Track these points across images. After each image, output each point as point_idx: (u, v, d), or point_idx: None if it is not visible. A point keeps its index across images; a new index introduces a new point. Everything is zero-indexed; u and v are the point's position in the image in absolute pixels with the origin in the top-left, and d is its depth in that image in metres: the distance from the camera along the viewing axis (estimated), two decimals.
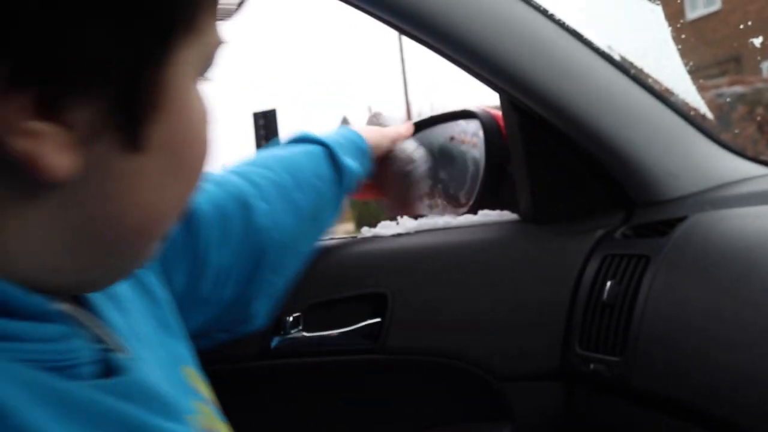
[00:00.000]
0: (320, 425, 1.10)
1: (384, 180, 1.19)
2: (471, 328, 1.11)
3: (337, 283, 1.07)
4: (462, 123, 1.33)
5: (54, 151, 0.34)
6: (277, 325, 1.04)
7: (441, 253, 1.13)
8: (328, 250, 1.10)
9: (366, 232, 1.18)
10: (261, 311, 0.92)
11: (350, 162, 1.01)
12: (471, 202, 1.26)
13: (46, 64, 0.33)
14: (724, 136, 1.25)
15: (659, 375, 0.96)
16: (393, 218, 1.24)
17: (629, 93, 1.13)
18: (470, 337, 1.11)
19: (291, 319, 1.05)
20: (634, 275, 1.04)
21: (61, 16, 0.32)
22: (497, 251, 1.15)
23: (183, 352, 0.60)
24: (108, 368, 0.43)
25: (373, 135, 1.11)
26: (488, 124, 1.25)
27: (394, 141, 1.17)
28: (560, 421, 1.14)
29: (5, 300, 0.36)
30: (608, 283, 1.06)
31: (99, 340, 0.44)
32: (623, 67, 1.13)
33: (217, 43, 0.42)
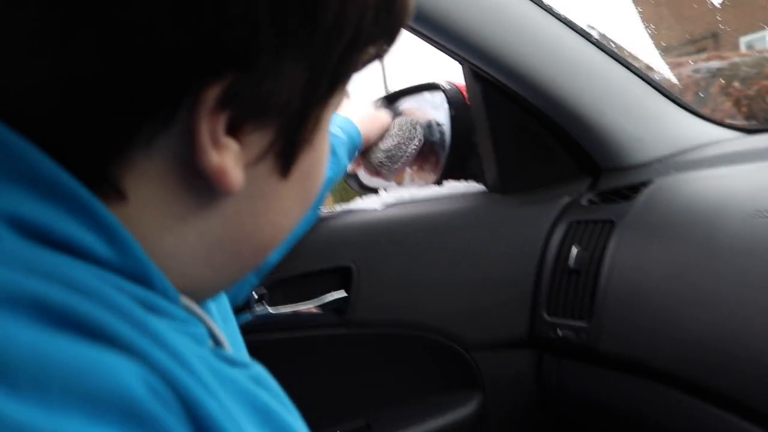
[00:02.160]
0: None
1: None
2: (439, 300, 1.11)
3: (303, 258, 1.06)
4: (427, 95, 1.32)
5: (234, 166, 0.38)
6: (243, 302, 1.03)
7: (407, 225, 1.13)
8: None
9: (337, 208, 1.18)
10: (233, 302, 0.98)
11: (347, 161, 1.11)
12: (438, 175, 1.26)
13: (249, 92, 0.37)
14: (702, 111, 1.25)
15: (626, 338, 0.96)
16: (363, 193, 1.24)
17: (592, 59, 1.12)
18: (438, 308, 1.11)
19: (256, 295, 1.04)
20: (599, 240, 1.04)
21: (274, 54, 0.37)
22: (464, 222, 1.14)
23: (241, 341, 0.62)
24: (228, 359, 0.44)
25: (369, 127, 1.20)
26: (453, 95, 1.24)
27: (383, 129, 1.24)
28: (531, 387, 1.15)
29: (149, 277, 0.38)
30: (574, 249, 1.06)
31: (209, 334, 0.46)
32: (585, 34, 1.12)
33: (347, 92, 0.47)
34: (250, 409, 0.40)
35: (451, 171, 1.25)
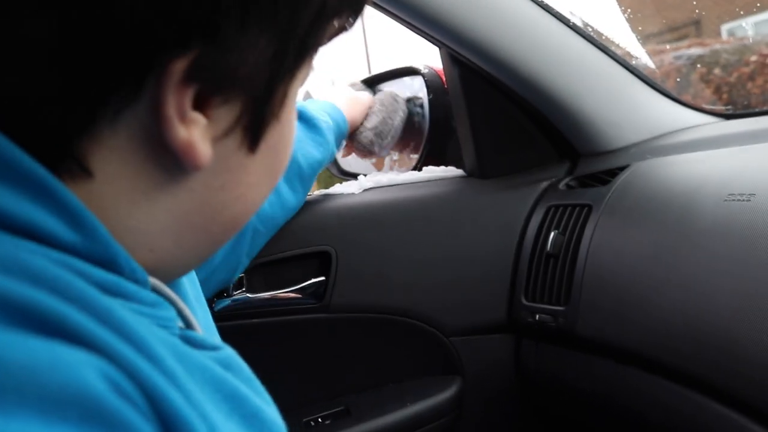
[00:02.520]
0: (268, 387, 1.08)
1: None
2: (418, 284, 1.11)
3: (281, 243, 1.06)
4: (407, 80, 1.32)
5: (202, 140, 0.38)
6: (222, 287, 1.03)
7: (386, 209, 1.12)
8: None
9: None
10: (222, 282, 0.98)
11: (335, 146, 1.12)
12: (417, 160, 1.26)
13: (216, 65, 0.37)
14: (684, 98, 1.25)
15: (603, 322, 0.96)
16: (344, 179, 1.24)
17: (571, 44, 1.13)
18: (417, 292, 1.11)
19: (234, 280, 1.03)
20: (576, 224, 1.04)
21: (239, 25, 0.36)
22: (442, 207, 1.14)
23: (212, 324, 0.61)
24: (195, 344, 0.44)
25: (353, 110, 1.20)
26: (431, 80, 1.24)
27: (366, 110, 1.24)
28: (509, 372, 1.15)
29: (115, 259, 0.37)
30: (552, 234, 1.06)
31: (180, 315, 0.46)
32: (564, 19, 1.12)
33: (313, 66, 0.47)
34: (218, 394, 0.40)
35: (429, 155, 1.25)
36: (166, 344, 0.37)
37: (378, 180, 1.17)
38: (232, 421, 0.40)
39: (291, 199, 1.03)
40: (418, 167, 1.24)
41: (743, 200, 0.84)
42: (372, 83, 1.38)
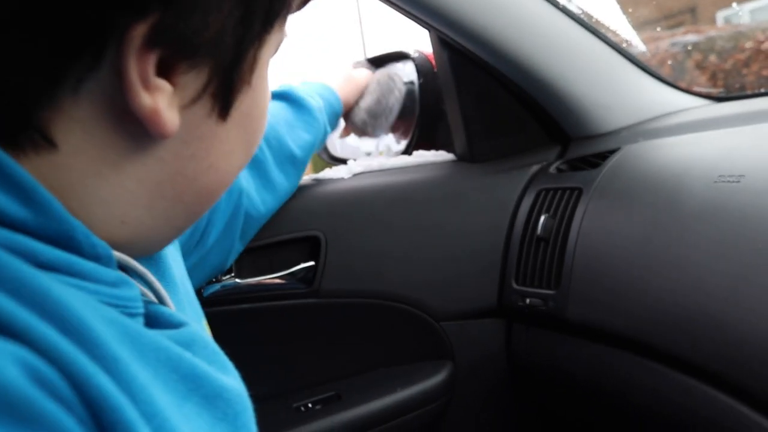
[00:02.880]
0: (257, 373, 1.08)
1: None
2: (408, 269, 1.10)
3: (270, 228, 1.05)
4: (398, 65, 1.31)
5: (168, 108, 0.37)
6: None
7: (376, 194, 1.12)
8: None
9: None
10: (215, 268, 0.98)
11: (328, 126, 1.11)
12: (407, 145, 1.25)
13: (179, 29, 0.36)
14: (679, 84, 1.25)
15: (593, 306, 0.96)
16: (333, 164, 1.23)
17: (561, 27, 1.12)
18: (407, 278, 1.10)
19: None
20: (567, 208, 1.04)
21: None
22: (432, 191, 1.14)
23: (197, 301, 0.61)
24: (160, 321, 0.43)
25: (347, 90, 1.18)
26: (421, 64, 1.23)
27: (361, 89, 1.22)
28: (500, 356, 1.15)
29: (72, 235, 0.37)
30: (542, 217, 1.06)
31: (151, 291, 0.45)
32: (553, 1, 1.11)
33: (285, 32, 0.47)
34: (175, 374, 0.39)
35: (420, 140, 1.24)
36: (115, 325, 0.36)
37: (368, 165, 1.16)
38: (190, 402, 0.40)
39: (283, 183, 1.02)
40: (408, 151, 1.23)
41: (733, 182, 0.84)
42: (375, 63, 1.37)
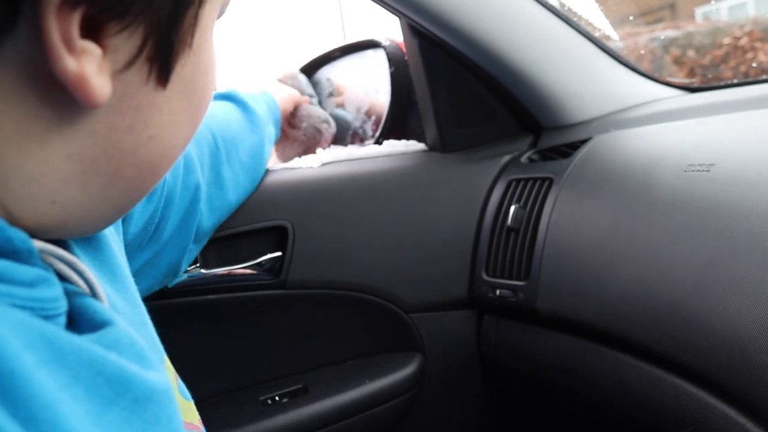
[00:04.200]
0: (223, 365, 1.06)
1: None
2: (377, 260, 1.09)
3: (236, 217, 1.02)
4: (369, 53, 1.29)
5: (97, 73, 0.34)
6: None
7: (345, 184, 1.10)
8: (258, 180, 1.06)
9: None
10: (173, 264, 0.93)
11: (273, 132, 1.10)
12: (377, 134, 1.23)
13: None
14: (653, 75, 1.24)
15: (562, 296, 0.95)
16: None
17: (533, 16, 1.10)
18: (376, 268, 1.09)
19: None
20: (537, 198, 1.03)
21: None
22: (402, 181, 1.12)
23: (140, 301, 0.57)
24: (84, 320, 0.40)
25: (285, 100, 1.18)
26: (392, 52, 1.21)
27: (296, 105, 1.23)
28: (471, 348, 1.14)
29: None
30: (512, 207, 1.05)
31: (84, 285, 0.42)
32: None
33: None
34: (99, 378, 0.36)
35: (391, 129, 1.22)
36: (25, 330, 0.33)
37: (337, 154, 1.15)
38: (117, 407, 0.37)
39: (232, 184, 0.99)
40: (379, 141, 1.22)
41: (702, 170, 0.83)
42: (334, 57, 1.35)
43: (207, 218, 0.94)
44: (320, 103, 1.29)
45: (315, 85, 1.30)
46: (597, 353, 0.90)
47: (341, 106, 1.31)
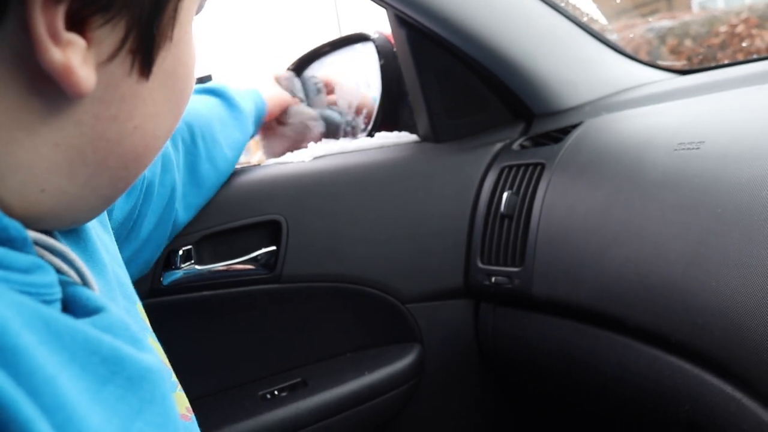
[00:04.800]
0: (221, 361, 1.06)
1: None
2: (372, 252, 1.09)
3: (229, 212, 1.03)
4: (359, 47, 1.29)
5: (82, 64, 0.35)
6: (168, 260, 1.00)
7: (338, 176, 1.10)
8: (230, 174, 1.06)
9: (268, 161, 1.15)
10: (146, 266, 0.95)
11: (251, 126, 1.10)
12: (369, 127, 1.23)
13: None
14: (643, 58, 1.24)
15: (557, 281, 0.95)
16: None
17: (520, 2, 1.10)
18: (371, 260, 1.09)
19: (181, 252, 1.00)
20: (529, 184, 1.03)
21: None
22: (395, 173, 1.12)
23: (130, 284, 0.58)
24: (78, 306, 0.41)
25: (274, 102, 1.19)
26: (381, 44, 1.21)
27: (284, 108, 1.23)
28: (469, 337, 1.13)
29: None
30: (505, 194, 1.04)
31: (73, 270, 0.42)
32: None
33: None
34: (94, 357, 0.37)
35: (382, 121, 1.22)
36: (25, 312, 0.34)
37: (329, 148, 1.14)
38: (112, 385, 0.38)
39: (211, 179, 0.99)
40: (371, 134, 1.22)
41: (693, 149, 0.82)
42: (324, 52, 1.35)
43: (181, 216, 0.95)
44: (309, 104, 1.29)
45: (303, 83, 1.30)
46: (593, 336, 0.90)
47: (332, 104, 1.30)
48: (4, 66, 0.35)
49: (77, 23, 0.35)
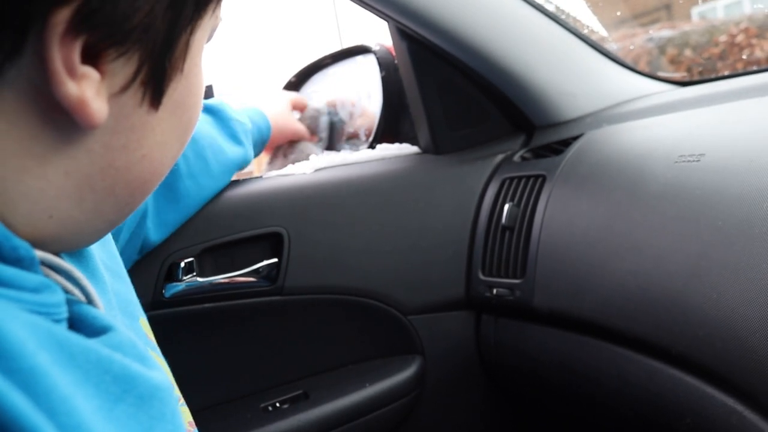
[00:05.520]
0: (223, 373, 1.06)
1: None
2: (373, 263, 1.09)
3: (231, 225, 1.03)
4: (360, 59, 1.29)
5: (96, 97, 0.36)
6: (170, 273, 1.00)
7: (339, 188, 1.10)
8: (219, 191, 1.05)
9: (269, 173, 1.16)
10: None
11: (251, 150, 1.11)
12: (371, 139, 1.24)
13: (105, 14, 0.34)
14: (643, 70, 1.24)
15: (559, 293, 0.95)
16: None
17: (522, 15, 1.11)
18: (373, 272, 1.09)
19: (183, 265, 1.00)
20: (531, 195, 1.03)
21: None
22: (396, 184, 1.12)
23: (134, 299, 0.59)
24: (84, 325, 0.41)
25: (282, 132, 1.21)
26: (382, 56, 1.22)
27: (293, 137, 1.26)
28: (470, 348, 1.13)
29: None
30: (506, 206, 1.05)
31: (78, 289, 0.43)
32: None
33: (219, 17, 0.46)
34: (107, 376, 0.38)
35: (383, 133, 1.23)
36: (39, 332, 0.34)
37: (331, 159, 1.15)
38: (124, 404, 0.38)
39: (191, 194, 0.99)
40: (372, 145, 1.22)
41: (693, 161, 0.83)
42: (326, 63, 1.36)
43: (154, 233, 0.95)
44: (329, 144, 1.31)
45: (330, 120, 1.31)
46: (595, 348, 0.90)
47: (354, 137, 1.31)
48: (19, 97, 0.35)
49: (92, 56, 0.36)
